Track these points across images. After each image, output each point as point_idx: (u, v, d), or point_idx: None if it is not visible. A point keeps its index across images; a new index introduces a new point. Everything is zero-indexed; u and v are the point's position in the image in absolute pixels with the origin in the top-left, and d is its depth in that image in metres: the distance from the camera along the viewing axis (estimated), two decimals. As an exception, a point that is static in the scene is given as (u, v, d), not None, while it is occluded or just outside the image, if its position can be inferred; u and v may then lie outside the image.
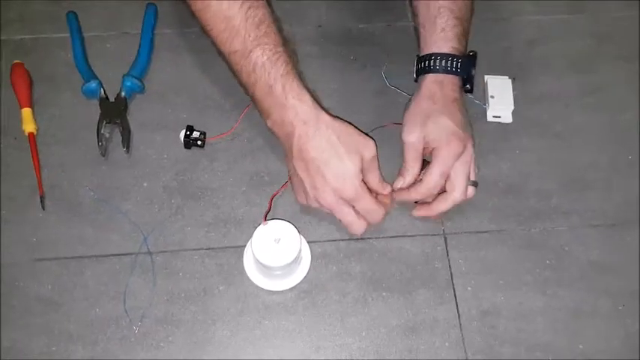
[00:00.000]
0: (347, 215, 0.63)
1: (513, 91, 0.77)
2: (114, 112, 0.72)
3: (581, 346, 0.65)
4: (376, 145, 0.63)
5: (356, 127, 0.64)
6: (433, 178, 0.63)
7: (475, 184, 0.67)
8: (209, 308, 0.65)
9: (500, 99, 0.75)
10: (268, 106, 0.62)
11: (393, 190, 0.66)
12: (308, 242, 0.68)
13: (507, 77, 0.77)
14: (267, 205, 0.68)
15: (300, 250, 0.64)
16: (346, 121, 0.63)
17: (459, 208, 0.70)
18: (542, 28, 0.83)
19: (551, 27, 0.83)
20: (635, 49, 0.81)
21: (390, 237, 0.69)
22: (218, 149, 0.73)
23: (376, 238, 0.69)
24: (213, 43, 0.63)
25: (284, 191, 0.70)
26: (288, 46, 0.63)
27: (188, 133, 0.72)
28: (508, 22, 0.83)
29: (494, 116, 0.76)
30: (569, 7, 0.85)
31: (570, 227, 0.70)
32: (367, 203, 0.63)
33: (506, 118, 0.75)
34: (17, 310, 0.64)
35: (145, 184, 0.70)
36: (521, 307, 0.66)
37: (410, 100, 0.68)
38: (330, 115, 0.63)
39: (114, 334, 0.63)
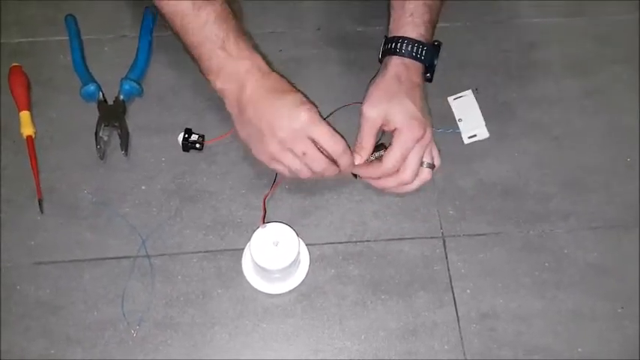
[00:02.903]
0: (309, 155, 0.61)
1: (512, 94, 0.77)
2: (112, 115, 0.72)
3: (580, 349, 0.64)
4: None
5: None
6: (393, 158, 0.63)
7: (431, 165, 0.66)
8: (208, 311, 0.65)
9: (468, 119, 0.74)
10: (219, 62, 0.61)
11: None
12: (306, 245, 0.68)
13: (470, 91, 0.75)
14: (262, 208, 0.68)
15: (299, 253, 0.64)
16: None
17: (458, 211, 0.70)
18: (542, 30, 0.83)
19: (551, 30, 0.83)
20: (634, 51, 0.81)
21: (389, 240, 0.69)
22: (217, 152, 0.73)
23: (375, 240, 0.69)
24: (161, 12, 0.63)
25: (281, 194, 0.70)
26: (232, 3, 0.63)
27: (186, 136, 0.72)
28: (507, 25, 0.83)
29: (469, 137, 0.74)
30: (568, 9, 0.85)
31: (569, 230, 0.70)
32: (326, 128, 0.61)
33: (482, 134, 0.74)
34: (16, 314, 0.64)
35: (144, 187, 0.70)
36: (520, 310, 0.66)
37: (374, 77, 0.68)
38: None
39: (112, 337, 0.63)
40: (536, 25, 0.83)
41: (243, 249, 0.67)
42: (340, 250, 0.68)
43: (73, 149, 0.72)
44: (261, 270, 0.64)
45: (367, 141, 0.65)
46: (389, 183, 0.65)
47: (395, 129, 0.64)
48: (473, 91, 0.76)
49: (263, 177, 0.71)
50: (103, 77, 0.75)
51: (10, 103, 0.73)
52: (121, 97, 0.73)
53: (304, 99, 0.62)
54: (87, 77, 0.74)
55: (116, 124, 0.72)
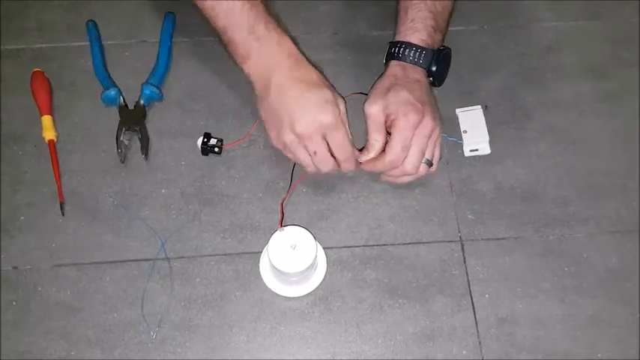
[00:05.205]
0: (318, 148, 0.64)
1: (529, 97, 0.77)
2: (133, 119, 0.73)
3: (599, 354, 0.64)
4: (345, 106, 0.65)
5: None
6: (393, 150, 0.64)
7: (429, 162, 0.66)
8: (226, 314, 0.65)
9: (473, 132, 0.73)
10: (248, 47, 0.63)
11: (360, 163, 0.67)
12: (324, 248, 0.68)
13: (479, 107, 0.75)
14: (279, 212, 0.68)
15: (316, 257, 0.65)
16: None
17: (477, 214, 0.70)
18: (558, 34, 0.83)
19: (567, 33, 0.83)
20: (652, 55, 0.81)
21: (406, 244, 0.69)
22: (235, 156, 0.73)
23: (392, 244, 0.69)
24: None
25: (299, 198, 0.71)
26: None
27: (205, 140, 0.72)
28: (524, 28, 0.83)
29: (471, 150, 0.73)
30: (584, 13, 0.84)
31: (588, 234, 0.70)
32: (343, 135, 0.64)
33: (484, 149, 0.73)
34: (36, 315, 0.65)
35: (163, 191, 0.71)
36: (539, 315, 0.66)
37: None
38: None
39: (132, 339, 0.64)
40: (552, 29, 0.83)
41: (260, 252, 0.68)
42: (357, 254, 0.68)
43: (94, 153, 0.73)
44: (279, 273, 0.64)
45: (375, 138, 0.66)
46: (394, 172, 0.66)
47: (392, 120, 0.64)
48: (482, 107, 0.75)
49: (280, 180, 0.71)
50: (123, 82, 0.76)
51: (33, 107, 0.74)
52: (142, 101, 0.74)
53: (331, 96, 0.63)
54: (108, 82, 0.75)
55: (136, 129, 0.73)
